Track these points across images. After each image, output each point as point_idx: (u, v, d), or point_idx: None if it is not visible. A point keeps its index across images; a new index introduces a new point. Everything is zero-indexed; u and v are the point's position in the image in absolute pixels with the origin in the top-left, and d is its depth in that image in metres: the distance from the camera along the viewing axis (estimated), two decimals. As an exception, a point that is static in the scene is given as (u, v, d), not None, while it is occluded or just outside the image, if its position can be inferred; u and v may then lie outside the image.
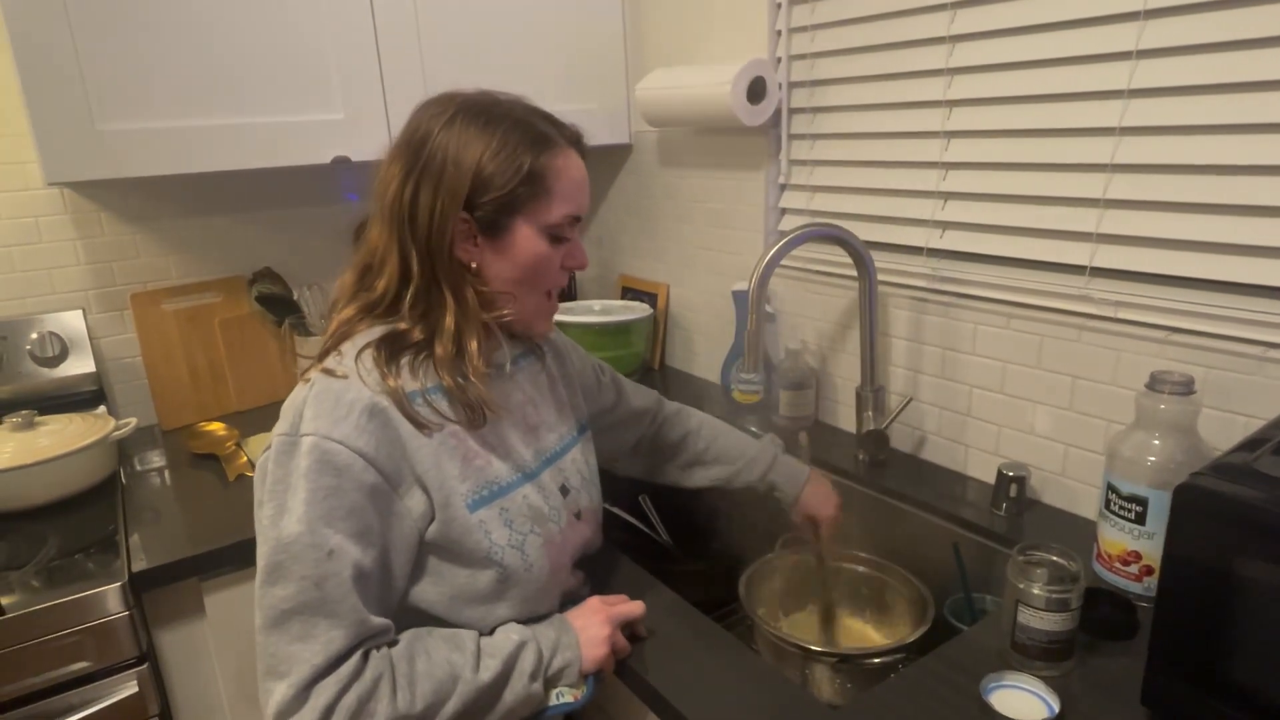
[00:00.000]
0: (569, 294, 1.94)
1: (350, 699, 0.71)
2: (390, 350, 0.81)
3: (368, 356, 0.80)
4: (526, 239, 0.84)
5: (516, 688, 0.80)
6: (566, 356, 1.05)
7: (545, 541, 0.87)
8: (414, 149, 0.82)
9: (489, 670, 0.78)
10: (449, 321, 0.82)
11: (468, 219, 0.82)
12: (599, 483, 1.03)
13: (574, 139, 0.87)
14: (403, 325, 0.83)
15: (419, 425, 0.79)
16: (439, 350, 0.82)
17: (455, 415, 0.82)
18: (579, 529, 0.94)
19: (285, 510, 0.73)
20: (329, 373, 0.78)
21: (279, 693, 0.70)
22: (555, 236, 0.85)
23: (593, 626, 0.86)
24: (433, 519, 0.80)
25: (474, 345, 0.83)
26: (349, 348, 0.81)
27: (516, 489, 0.86)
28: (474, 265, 0.84)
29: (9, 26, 1.12)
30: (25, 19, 1.13)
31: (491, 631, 0.84)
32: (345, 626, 0.72)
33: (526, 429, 0.91)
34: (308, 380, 0.79)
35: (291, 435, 0.75)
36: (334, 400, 0.76)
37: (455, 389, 0.82)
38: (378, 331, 0.83)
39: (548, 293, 0.89)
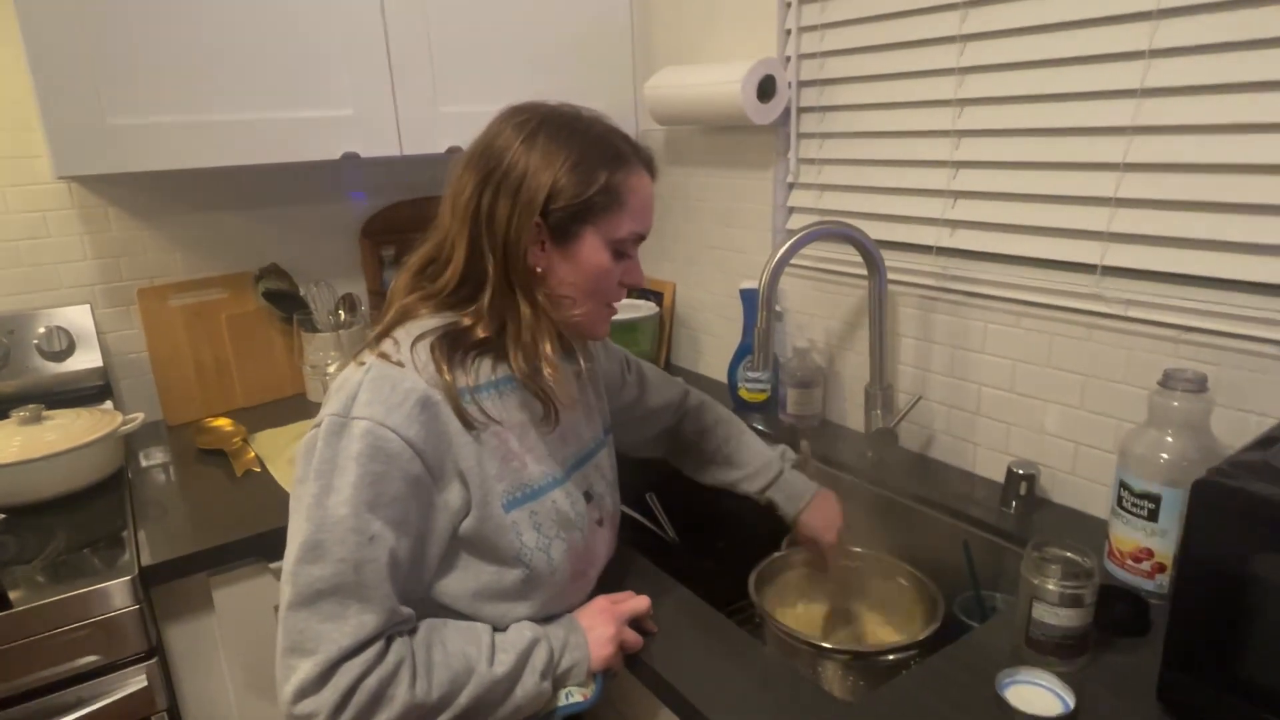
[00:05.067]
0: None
1: (372, 681, 0.71)
2: (449, 345, 0.81)
3: (423, 348, 0.80)
4: (592, 249, 0.84)
5: (528, 684, 0.80)
6: (597, 356, 1.05)
7: (570, 547, 0.87)
8: (493, 156, 0.83)
9: (503, 665, 0.79)
10: (524, 322, 0.84)
11: (540, 224, 0.82)
12: (618, 486, 1.03)
13: (648, 161, 0.89)
14: (467, 321, 0.83)
15: (466, 422, 0.80)
16: (513, 350, 0.83)
17: (500, 415, 0.83)
18: (601, 535, 0.94)
19: (332, 490, 0.74)
20: (385, 357, 0.79)
21: (303, 670, 0.71)
22: (618, 252, 0.86)
23: (599, 626, 0.87)
24: (468, 513, 0.80)
25: (547, 346, 0.84)
26: (403, 335, 0.82)
27: (547, 493, 0.87)
28: (539, 270, 0.85)
29: (21, 21, 1.12)
30: (37, 14, 1.13)
31: (504, 628, 0.84)
32: (377, 612, 0.73)
33: (558, 434, 0.91)
34: (362, 363, 0.80)
35: (343, 416, 0.76)
36: (390, 387, 0.76)
37: (531, 383, 0.84)
38: (434, 323, 0.83)
39: (607, 303, 0.90)
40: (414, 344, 0.80)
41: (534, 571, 0.84)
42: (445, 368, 0.79)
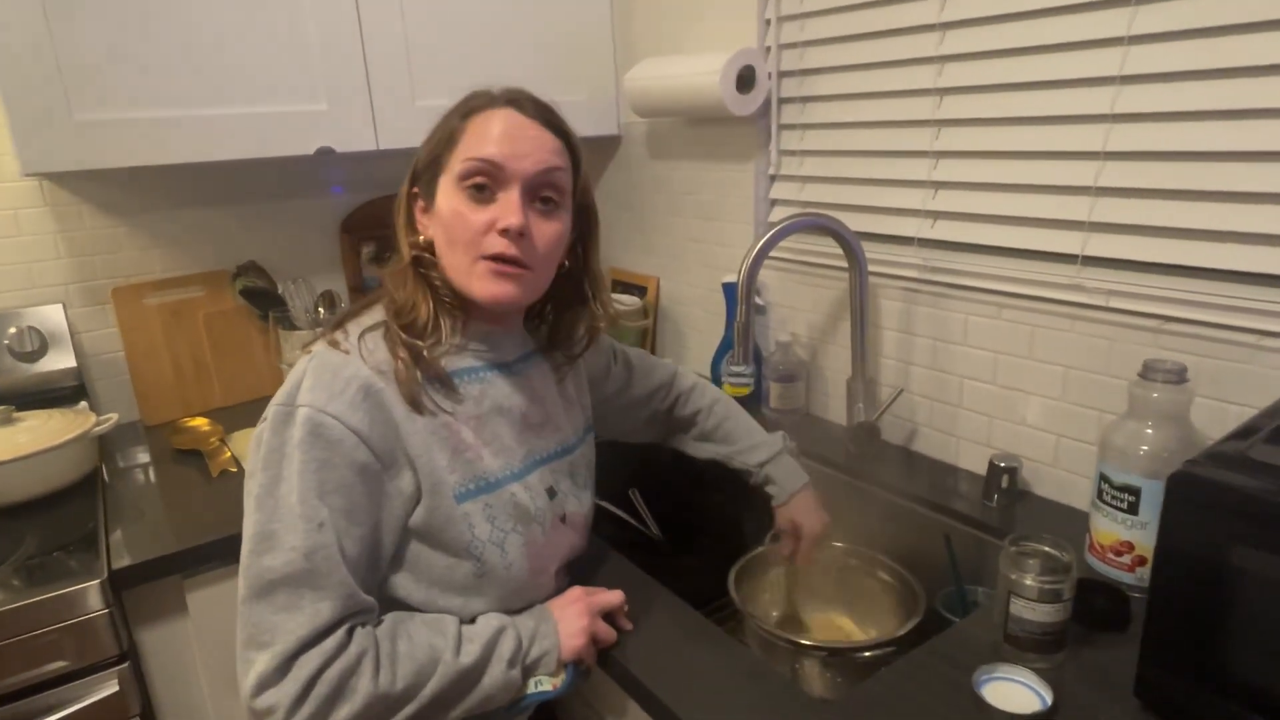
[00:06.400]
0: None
1: (333, 673, 0.70)
2: (401, 333, 0.82)
3: (373, 337, 0.81)
4: (444, 195, 0.83)
5: (495, 673, 0.79)
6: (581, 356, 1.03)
7: (527, 542, 0.86)
8: None
9: (469, 655, 0.78)
10: (403, 295, 0.84)
11: (415, 191, 0.86)
12: (593, 489, 1.02)
13: (510, 99, 0.83)
14: (405, 312, 0.84)
15: (415, 408, 0.79)
16: (394, 325, 0.82)
17: (452, 406, 0.83)
18: (564, 533, 0.93)
19: (281, 479, 0.73)
20: (333, 345, 0.79)
21: (260, 663, 0.70)
22: (475, 191, 0.80)
23: (571, 616, 0.86)
24: (419, 502, 0.80)
25: (421, 320, 0.83)
26: (354, 326, 0.83)
27: (504, 486, 0.86)
28: (422, 238, 0.86)
29: (-18, 14, 1.10)
30: (-1, 7, 1.11)
31: (473, 620, 0.83)
32: (333, 599, 0.72)
33: (525, 427, 0.90)
34: (310, 352, 0.80)
35: (287, 405, 0.75)
36: (332, 374, 0.76)
37: (404, 366, 0.79)
38: (381, 316, 0.84)
39: (481, 258, 0.81)
40: (362, 334, 0.81)
41: (486, 565, 0.83)
42: (398, 354, 0.80)
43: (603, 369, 1.10)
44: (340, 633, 0.72)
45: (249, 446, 0.78)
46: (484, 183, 0.80)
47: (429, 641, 0.77)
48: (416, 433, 0.79)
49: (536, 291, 0.87)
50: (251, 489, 0.75)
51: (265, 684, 0.69)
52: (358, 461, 0.75)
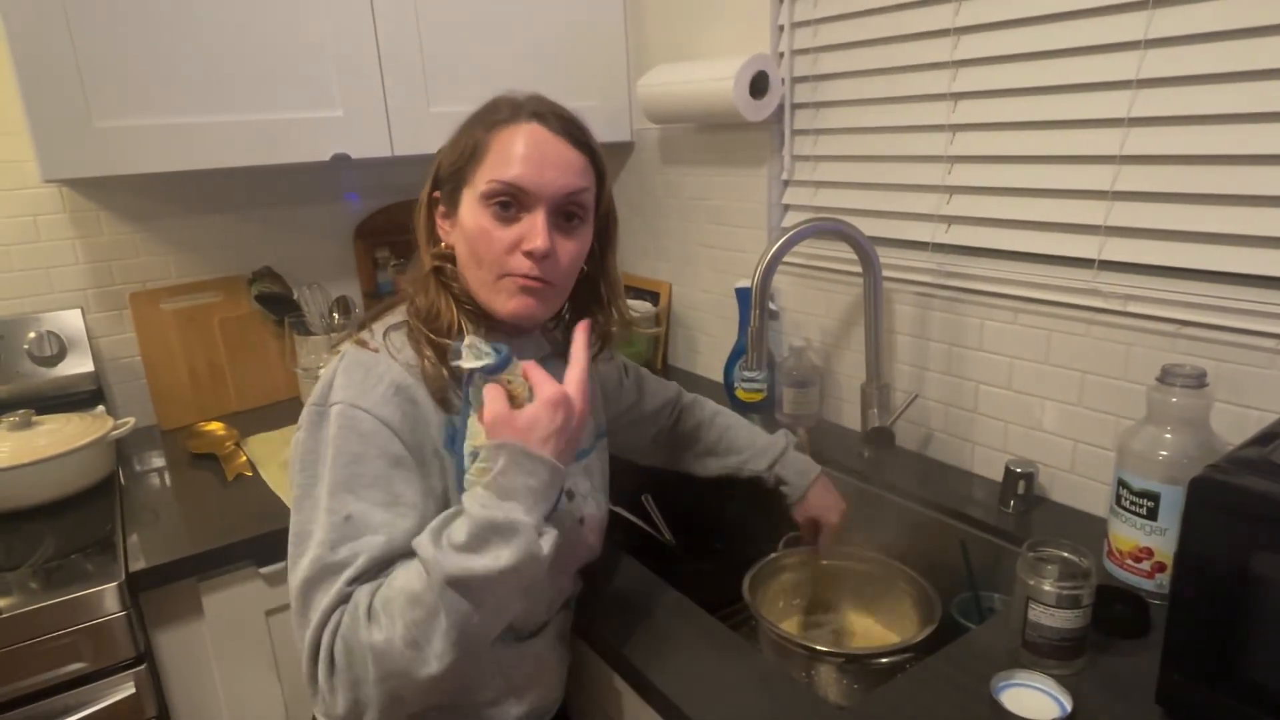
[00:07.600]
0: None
1: (340, 640, 0.69)
2: (425, 330, 0.82)
3: (398, 336, 0.82)
4: (468, 209, 0.82)
5: (448, 563, 0.67)
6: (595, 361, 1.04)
7: None
8: None
9: (458, 544, 0.67)
10: (425, 301, 0.84)
11: (437, 196, 0.86)
12: (608, 493, 1.02)
13: (534, 112, 0.81)
14: (419, 312, 0.85)
15: (443, 404, 0.79)
16: (419, 325, 0.82)
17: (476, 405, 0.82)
18: (581, 535, 0.93)
19: (318, 479, 0.74)
20: (361, 345, 0.81)
21: (305, 661, 0.70)
22: (500, 209, 0.79)
23: (541, 426, 0.72)
24: (447, 503, 0.80)
25: (444, 325, 0.82)
26: (379, 326, 0.84)
27: None
28: (445, 245, 0.86)
29: (5, 22, 1.11)
30: (22, 15, 1.12)
31: None
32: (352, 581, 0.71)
33: None
34: (339, 352, 0.81)
35: (320, 405, 0.77)
36: (363, 372, 0.77)
37: (430, 365, 0.79)
38: (402, 313, 0.85)
39: (499, 274, 0.81)
40: (387, 332, 0.82)
41: None
42: (424, 353, 0.80)
43: (615, 384, 1.11)
44: (340, 607, 0.70)
45: (290, 453, 0.79)
46: (508, 202, 0.80)
47: (412, 566, 0.69)
48: (444, 426, 0.80)
49: (557, 305, 0.88)
50: (293, 494, 0.76)
51: (310, 677, 0.71)
52: (392, 453, 0.75)
